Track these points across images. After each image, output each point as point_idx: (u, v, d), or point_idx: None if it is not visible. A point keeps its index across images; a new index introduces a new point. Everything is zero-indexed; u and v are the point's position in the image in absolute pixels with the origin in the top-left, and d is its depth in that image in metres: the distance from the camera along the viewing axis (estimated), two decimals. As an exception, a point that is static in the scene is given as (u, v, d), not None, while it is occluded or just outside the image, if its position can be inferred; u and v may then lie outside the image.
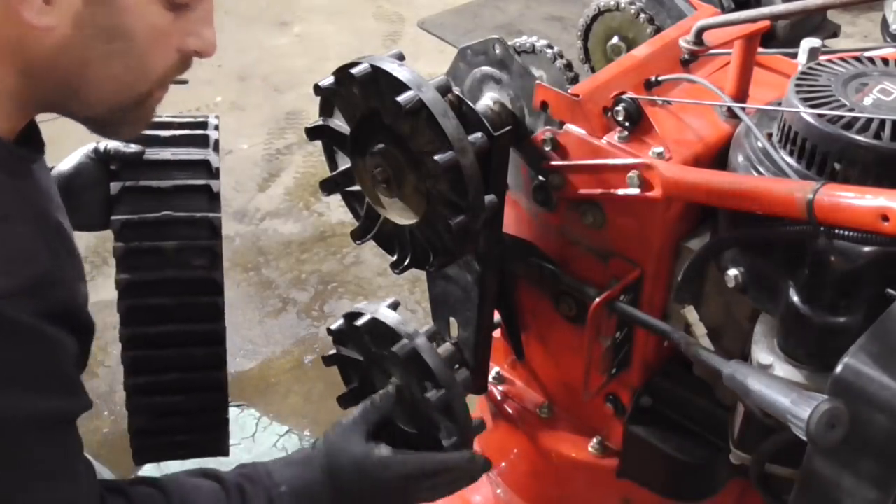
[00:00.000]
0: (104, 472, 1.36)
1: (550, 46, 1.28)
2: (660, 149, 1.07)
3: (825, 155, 0.94)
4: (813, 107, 0.95)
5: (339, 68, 1.20)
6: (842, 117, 0.93)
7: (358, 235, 1.30)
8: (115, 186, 1.25)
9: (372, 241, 1.30)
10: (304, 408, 2.81)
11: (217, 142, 1.31)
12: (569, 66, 1.28)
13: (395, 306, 1.25)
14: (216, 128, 1.33)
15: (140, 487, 1.02)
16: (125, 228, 1.25)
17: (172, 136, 1.28)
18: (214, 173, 1.27)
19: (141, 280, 1.22)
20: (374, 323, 1.22)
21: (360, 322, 1.24)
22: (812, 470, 0.82)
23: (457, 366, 1.28)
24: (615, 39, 1.48)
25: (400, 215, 1.17)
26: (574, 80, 1.27)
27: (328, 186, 1.30)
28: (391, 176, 1.13)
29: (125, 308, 1.23)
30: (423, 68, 1.25)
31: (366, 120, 1.13)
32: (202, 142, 1.30)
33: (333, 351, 1.32)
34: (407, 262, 1.23)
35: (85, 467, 0.96)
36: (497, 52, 1.16)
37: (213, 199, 1.26)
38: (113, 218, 1.26)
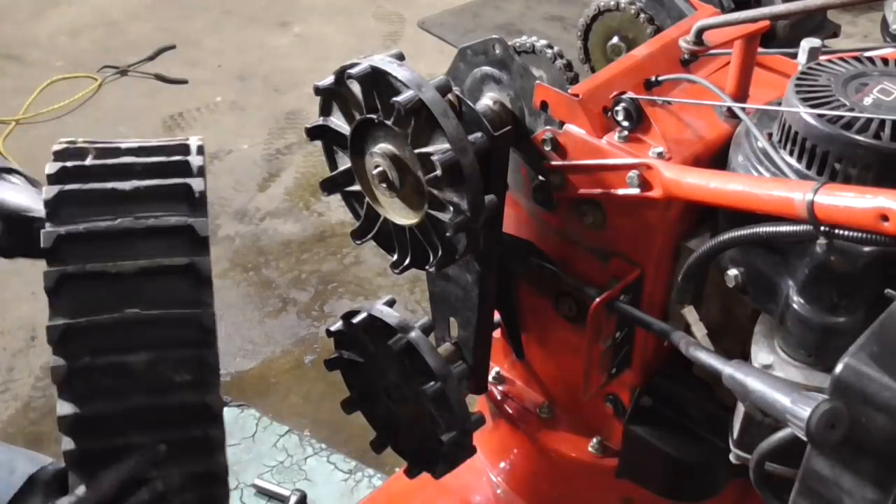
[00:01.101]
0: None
1: (550, 46, 1.28)
2: (660, 149, 1.07)
3: (825, 155, 0.94)
4: (813, 107, 0.95)
5: (338, 68, 1.21)
6: (842, 117, 0.93)
7: (358, 235, 1.30)
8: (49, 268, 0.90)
9: (372, 241, 1.30)
10: (304, 408, 2.81)
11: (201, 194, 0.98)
12: (569, 66, 1.28)
13: (391, 304, 1.25)
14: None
15: None
16: (66, 337, 0.88)
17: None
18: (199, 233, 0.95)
19: (94, 415, 0.88)
20: (371, 319, 1.23)
21: (356, 320, 1.24)
22: (812, 470, 0.82)
23: (457, 363, 1.28)
24: (615, 39, 1.48)
25: (400, 215, 1.17)
26: (574, 80, 1.27)
27: (328, 186, 1.30)
28: (391, 176, 1.13)
29: (73, 457, 0.89)
30: (423, 68, 1.25)
31: (366, 120, 1.13)
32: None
33: (335, 354, 1.32)
34: (407, 262, 1.23)
35: None
36: (497, 52, 1.16)
37: (200, 280, 0.92)
38: (48, 324, 0.88)
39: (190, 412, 0.90)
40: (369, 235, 1.28)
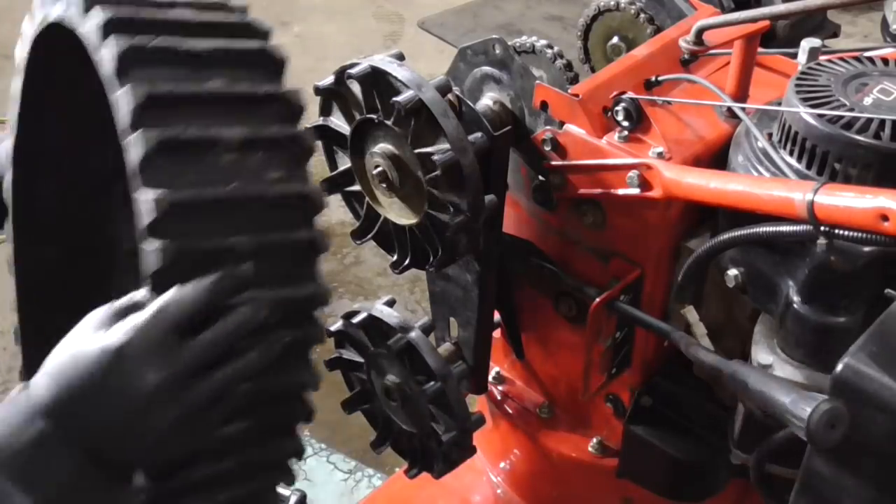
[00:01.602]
0: None
1: (550, 46, 1.28)
2: (660, 149, 1.07)
3: (825, 155, 0.94)
4: (813, 107, 0.95)
5: (338, 68, 1.20)
6: (842, 117, 0.93)
7: (358, 235, 1.30)
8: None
9: (372, 240, 1.30)
10: (304, 408, 2.81)
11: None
12: (569, 66, 1.28)
13: (391, 303, 1.25)
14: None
15: None
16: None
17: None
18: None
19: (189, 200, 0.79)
20: (371, 319, 1.23)
21: (356, 319, 1.24)
22: (812, 470, 0.82)
23: (457, 363, 1.28)
24: (615, 39, 1.48)
25: (400, 215, 1.17)
26: (574, 80, 1.27)
27: (328, 186, 1.30)
28: (391, 176, 1.13)
29: (167, 255, 0.79)
30: (423, 68, 1.25)
31: (366, 120, 1.13)
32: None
33: (335, 354, 1.32)
34: (407, 262, 1.23)
35: None
36: (497, 52, 1.16)
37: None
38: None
39: (286, 207, 0.84)
40: (369, 235, 1.28)
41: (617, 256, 1.15)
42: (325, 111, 1.21)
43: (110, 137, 0.97)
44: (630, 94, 1.10)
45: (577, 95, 1.09)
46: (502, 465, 1.53)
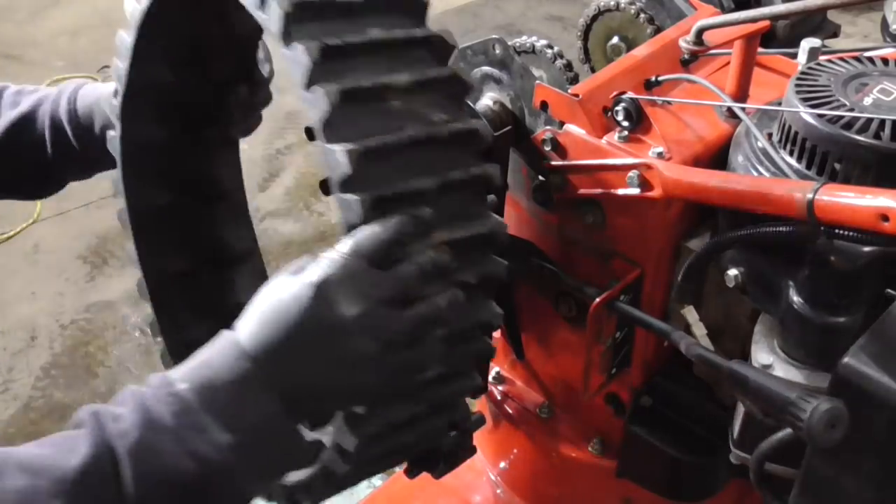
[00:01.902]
0: None
1: (550, 46, 1.29)
2: (660, 149, 1.07)
3: (825, 155, 0.94)
4: (813, 107, 0.95)
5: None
6: (842, 117, 0.93)
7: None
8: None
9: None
10: (304, 408, 2.81)
11: None
12: (569, 66, 1.28)
13: None
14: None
15: None
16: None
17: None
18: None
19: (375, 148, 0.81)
20: None
21: None
22: (812, 470, 0.82)
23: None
24: (615, 39, 1.48)
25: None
26: (574, 80, 1.27)
27: (328, 187, 1.30)
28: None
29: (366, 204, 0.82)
30: (423, 68, 1.25)
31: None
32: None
33: None
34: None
35: None
36: (497, 52, 1.16)
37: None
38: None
39: (460, 145, 0.87)
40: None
41: (617, 256, 1.15)
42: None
43: (207, 83, 1.09)
44: (630, 94, 1.10)
45: (577, 95, 1.09)
46: (502, 465, 1.53)
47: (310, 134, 1.28)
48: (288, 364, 0.79)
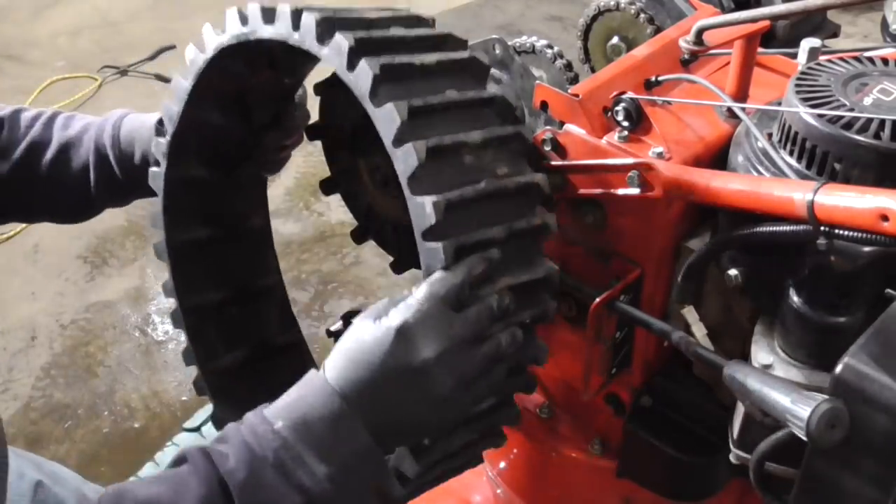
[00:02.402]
0: (68, 481, 1.30)
1: (550, 46, 1.29)
2: (660, 149, 1.07)
3: (825, 155, 0.94)
4: (813, 107, 0.95)
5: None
6: (842, 117, 0.93)
7: (358, 236, 1.30)
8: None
9: (372, 241, 1.30)
10: (304, 408, 2.81)
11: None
12: (569, 66, 1.28)
13: None
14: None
15: None
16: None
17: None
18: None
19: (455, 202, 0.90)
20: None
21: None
22: (812, 470, 0.82)
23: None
24: (615, 39, 1.48)
25: (402, 216, 1.17)
26: (574, 80, 1.27)
27: (328, 187, 1.30)
28: (391, 176, 1.13)
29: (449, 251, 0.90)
30: (423, 68, 1.25)
31: (366, 120, 1.13)
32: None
33: None
34: (407, 262, 1.23)
35: None
36: (497, 52, 1.17)
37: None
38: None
39: (522, 197, 0.95)
40: (369, 236, 1.28)
41: (617, 256, 1.15)
42: (325, 111, 1.21)
43: (248, 125, 1.19)
44: (630, 94, 1.10)
45: (577, 95, 1.09)
46: (502, 465, 1.53)
47: (309, 134, 1.28)
48: (375, 402, 0.86)
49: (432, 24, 1.02)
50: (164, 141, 1.15)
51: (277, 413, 0.87)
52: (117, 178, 1.35)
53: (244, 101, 1.19)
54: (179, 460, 0.89)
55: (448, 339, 0.87)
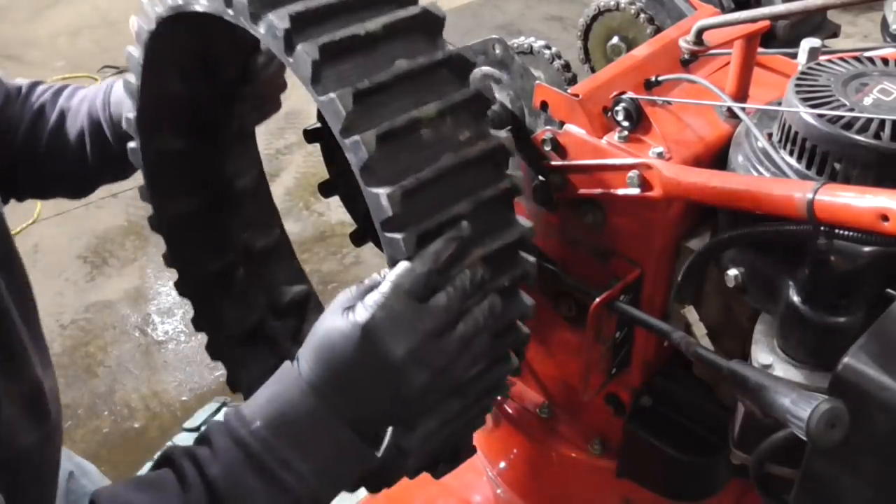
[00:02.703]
0: (92, 474, 1.33)
1: (548, 47, 1.29)
2: (660, 149, 1.07)
3: (825, 155, 0.94)
4: (813, 107, 0.95)
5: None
6: (842, 117, 0.93)
7: (357, 238, 1.30)
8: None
9: (371, 241, 1.30)
10: (304, 408, 2.81)
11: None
12: (566, 67, 1.28)
13: None
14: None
15: None
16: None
17: None
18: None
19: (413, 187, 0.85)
20: None
21: None
22: (812, 470, 0.82)
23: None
24: (615, 39, 1.48)
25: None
26: (572, 80, 1.27)
27: (327, 189, 1.30)
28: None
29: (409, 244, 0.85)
30: (422, 68, 1.25)
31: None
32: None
33: None
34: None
35: None
36: (497, 52, 1.16)
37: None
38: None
39: (487, 163, 0.90)
40: (369, 238, 1.28)
41: (617, 256, 1.15)
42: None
43: (215, 87, 1.13)
44: (630, 94, 1.10)
45: (577, 95, 1.09)
46: (502, 465, 1.53)
47: (308, 136, 1.28)
48: (350, 397, 0.86)
49: None
50: (131, 116, 1.10)
51: (255, 412, 0.86)
52: (111, 146, 1.32)
53: (205, 62, 1.12)
54: (163, 461, 0.89)
55: (416, 334, 0.84)
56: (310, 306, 1.34)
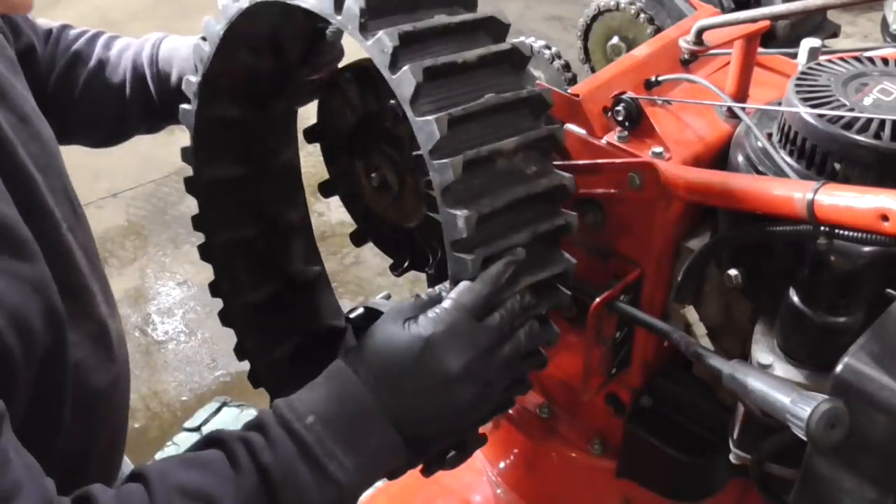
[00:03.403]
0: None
1: (548, 47, 1.29)
2: (660, 149, 1.07)
3: (825, 155, 0.94)
4: (813, 107, 0.95)
5: (337, 70, 1.20)
6: (842, 117, 0.93)
7: (357, 238, 1.30)
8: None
9: (371, 241, 1.30)
10: (304, 408, 2.81)
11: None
12: (566, 67, 1.28)
13: (387, 298, 1.27)
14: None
15: (121, 489, 0.89)
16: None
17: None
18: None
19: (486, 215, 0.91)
20: (368, 313, 1.23)
21: (353, 315, 1.26)
22: (812, 470, 0.82)
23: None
24: (615, 39, 1.48)
25: (400, 218, 1.17)
26: (572, 80, 1.27)
27: (327, 189, 1.30)
28: (389, 179, 1.13)
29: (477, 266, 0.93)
30: (422, 68, 1.25)
31: (364, 122, 1.13)
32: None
33: None
34: (406, 264, 1.23)
35: (24, 469, 0.84)
36: (497, 52, 1.16)
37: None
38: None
39: (548, 200, 0.96)
40: (369, 238, 1.28)
41: (617, 256, 1.15)
42: (324, 113, 1.21)
43: (280, 64, 1.19)
44: (630, 94, 1.10)
45: (577, 95, 1.09)
46: (502, 465, 1.53)
47: (308, 136, 1.28)
48: (401, 403, 0.91)
49: (473, 3, 1.00)
50: (194, 80, 1.14)
51: (309, 407, 0.90)
52: (153, 99, 1.36)
53: (276, 42, 1.18)
54: (209, 443, 0.92)
55: (473, 350, 0.91)
56: (322, 288, 1.37)
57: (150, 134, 1.45)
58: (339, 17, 0.91)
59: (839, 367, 0.76)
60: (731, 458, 1.10)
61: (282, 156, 1.30)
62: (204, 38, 1.11)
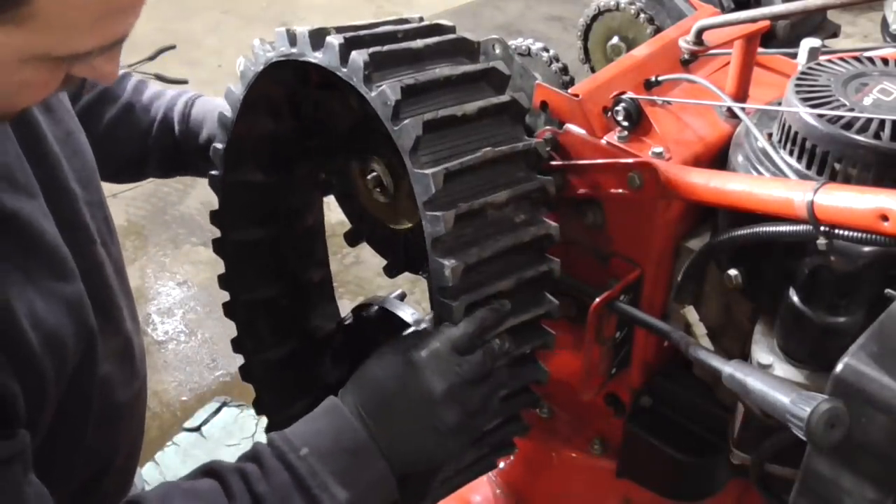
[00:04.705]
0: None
1: (546, 49, 1.29)
2: (660, 149, 1.07)
3: (825, 155, 0.94)
4: (813, 107, 0.95)
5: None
6: (842, 117, 0.93)
7: (351, 238, 1.30)
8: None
9: (366, 242, 1.30)
10: (304, 408, 2.81)
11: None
12: (564, 70, 1.28)
13: (402, 297, 1.27)
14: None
15: None
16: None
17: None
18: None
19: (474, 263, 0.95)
20: (383, 314, 1.24)
21: (367, 313, 1.26)
22: (812, 470, 0.82)
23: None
24: (615, 39, 1.48)
25: (395, 220, 1.17)
26: (570, 83, 1.27)
27: (323, 188, 1.30)
28: (385, 181, 1.13)
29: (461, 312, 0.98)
30: (422, 68, 1.25)
31: (362, 124, 1.13)
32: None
33: None
34: (401, 266, 1.23)
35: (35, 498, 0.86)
36: (497, 52, 1.16)
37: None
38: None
39: (534, 248, 1.00)
40: (363, 239, 1.28)
41: (617, 256, 1.15)
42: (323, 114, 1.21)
43: (299, 128, 1.22)
44: (630, 94, 1.10)
45: (577, 95, 1.09)
46: (502, 465, 1.53)
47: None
48: (391, 432, 0.94)
49: (476, 52, 1.05)
50: (220, 147, 1.17)
51: (304, 440, 0.93)
52: (175, 152, 1.39)
53: (292, 103, 1.21)
54: (207, 472, 0.94)
55: (455, 377, 0.95)
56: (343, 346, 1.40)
57: (160, 179, 1.48)
58: (344, 70, 0.94)
59: (839, 368, 0.76)
60: (731, 458, 1.10)
61: (306, 216, 1.33)
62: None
